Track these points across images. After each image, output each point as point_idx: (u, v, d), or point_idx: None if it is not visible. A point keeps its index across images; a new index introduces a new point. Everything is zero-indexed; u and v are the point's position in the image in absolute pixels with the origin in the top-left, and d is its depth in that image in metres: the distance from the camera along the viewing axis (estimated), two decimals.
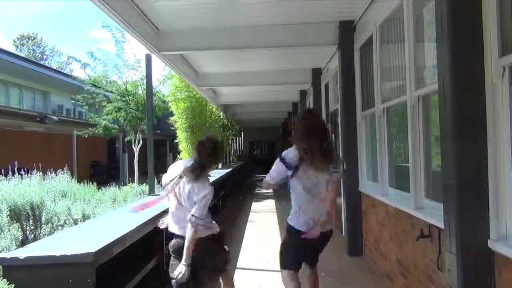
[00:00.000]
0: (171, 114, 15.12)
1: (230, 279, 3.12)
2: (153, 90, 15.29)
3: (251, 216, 8.52)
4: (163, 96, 17.52)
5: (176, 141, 15.14)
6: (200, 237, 2.75)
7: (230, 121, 17.07)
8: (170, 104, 15.33)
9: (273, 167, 2.86)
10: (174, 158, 21.21)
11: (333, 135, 7.48)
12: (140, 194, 12.02)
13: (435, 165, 3.39)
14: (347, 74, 5.63)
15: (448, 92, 2.44)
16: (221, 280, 3.06)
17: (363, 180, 5.49)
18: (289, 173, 2.78)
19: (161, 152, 30.68)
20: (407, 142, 3.74)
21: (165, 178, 2.90)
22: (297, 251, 2.87)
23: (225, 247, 3.02)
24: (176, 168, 2.89)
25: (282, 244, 2.98)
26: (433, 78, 3.10)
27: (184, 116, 14.23)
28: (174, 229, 2.86)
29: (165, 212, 3.21)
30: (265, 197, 12.02)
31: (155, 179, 6.28)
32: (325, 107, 8.68)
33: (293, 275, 2.89)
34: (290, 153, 2.81)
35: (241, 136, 26.07)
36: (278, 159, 2.84)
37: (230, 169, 12.54)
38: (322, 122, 2.92)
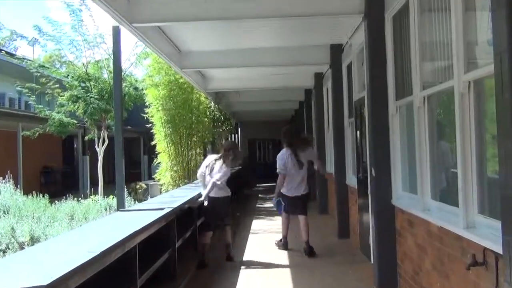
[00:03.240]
0: (147, 105, 15.12)
1: (228, 234, 6.94)
2: (123, 73, 15.29)
3: (251, 241, 8.50)
4: (136, 81, 17.56)
5: (153, 141, 15.16)
6: (219, 196, 6.49)
7: (224, 114, 17.11)
8: (145, 91, 15.35)
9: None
10: (150, 162, 21.27)
11: (357, 132, 7.49)
12: (106, 209, 12.02)
13: (491, 172, 3.40)
14: (376, 52, 5.64)
15: (507, 75, 2.45)
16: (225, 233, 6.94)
17: (398, 191, 5.50)
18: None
19: (133, 154, 30.77)
20: (455, 141, 3.75)
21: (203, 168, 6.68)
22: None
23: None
24: (211, 159, 6.75)
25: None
26: (487, 57, 3.10)
27: (164, 107, 14.23)
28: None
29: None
30: (269, 212, 12.05)
31: (126, 189, 6.30)
32: (347, 95, 8.70)
33: (286, 216, 7.55)
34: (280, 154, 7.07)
35: (237, 133, 26.11)
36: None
37: None
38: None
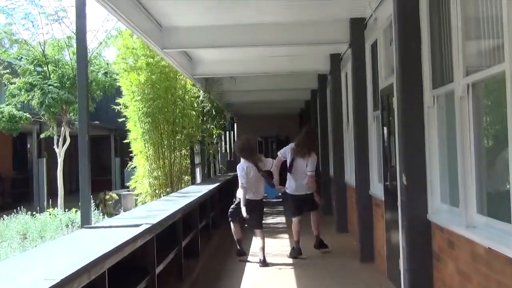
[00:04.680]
0: (119, 94, 15.13)
1: (260, 234, 8.78)
2: (89, 54, 15.28)
3: (249, 271, 8.44)
4: (107, 64, 17.59)
5: (126, 139, 15.19)
6: (252, 199, 8.77)
7: (216, 106, 17.12)
8: (118, 77, 15.35)
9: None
10: (124, 167, 21.26)
11: (384, 129, 7.49)
12: (68, 226, 12.06)
13: None
14: (407, 28, 5.64)
15: None
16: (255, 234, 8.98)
17: (435, 203, 5.51)
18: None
19: (102, 156, 30.80)
20: (507, 140, 3.75)
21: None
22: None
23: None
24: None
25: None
26: None
27: (140, 97, 14.28)
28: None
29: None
30: (273, 230, 12.05)
31: (92, 201, 6.32)
32: (371, 82, 8.70)
33: (297, 223, 9.14)
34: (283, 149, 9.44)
35: (233, 130, 26.12)
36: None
37: (216, 184, 12.56)
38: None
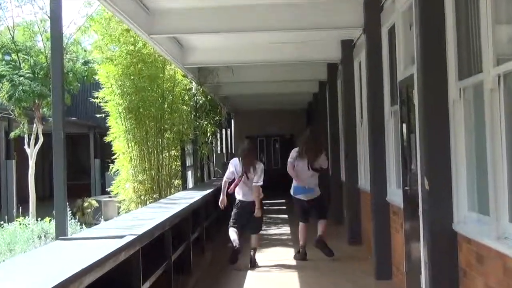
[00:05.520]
0: (100, 86, 15.12)
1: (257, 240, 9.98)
2: (65, 41, 15.26)
3: None
4: (85, 51, 17.57)
5: (107, 137, 15.19)
6: (249, 200, 9.83)
7: (210, 100, 17.12)
8: (97, 68, 15.35)
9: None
10: (105, 169, 21.23)
11: (403, 127, 7.50)
12: (40, 237, 12.07)
13: None
14: (430, 10, 5.64)
15: None
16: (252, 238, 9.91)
17: (461, 211, 5.51)
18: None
19: (80, 157, 30.84)
20: None
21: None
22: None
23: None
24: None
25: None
26: None
27: (120, 91, 14.29)
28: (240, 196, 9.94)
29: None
30: (274, 245, 12.05)
31: (69, 209, 6.32)
32: (389, 73, 8.71)
33: (304, 228, 10.16)
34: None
35: (230, 127, 26.11)
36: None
37: (210, 190, 12.56)
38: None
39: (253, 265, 9.60)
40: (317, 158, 10.04)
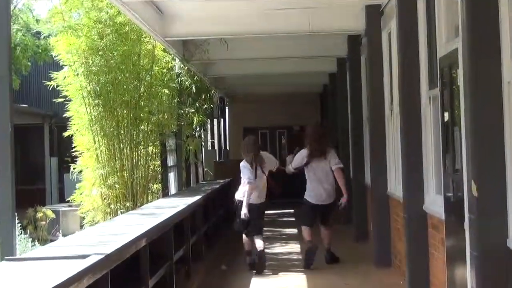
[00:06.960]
0: (56, 65, 15.12)
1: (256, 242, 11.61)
2: (13, 7, 15.13)
3: None
4: (37, 21, 17.52)
5: (67, 131, 15.20)
6: (255, 203, 11.57)
7: (198, 81, 17.13)
8: (53, 40, 15.36)
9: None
10: (63, 171, 21.19)
11: (445, 116, 7.49)
12: None
13: None
14: None
15: None
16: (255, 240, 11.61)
17: None
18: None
19: (31, 155, 30.80)
20: None
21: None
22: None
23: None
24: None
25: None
26: None
27: (87, 69, 14.29)
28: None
29: None
30: (280, 266, 12.10)
31: (18, 221, 6.30)
32: (425, 48, 8.70)
33: (308, 230, 11.94)
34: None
35: (224, 117, 26.12)
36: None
37: (198, 196, 12.56)
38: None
39: (262, 267, 11.07)
40: (324, 157, 11.60)
